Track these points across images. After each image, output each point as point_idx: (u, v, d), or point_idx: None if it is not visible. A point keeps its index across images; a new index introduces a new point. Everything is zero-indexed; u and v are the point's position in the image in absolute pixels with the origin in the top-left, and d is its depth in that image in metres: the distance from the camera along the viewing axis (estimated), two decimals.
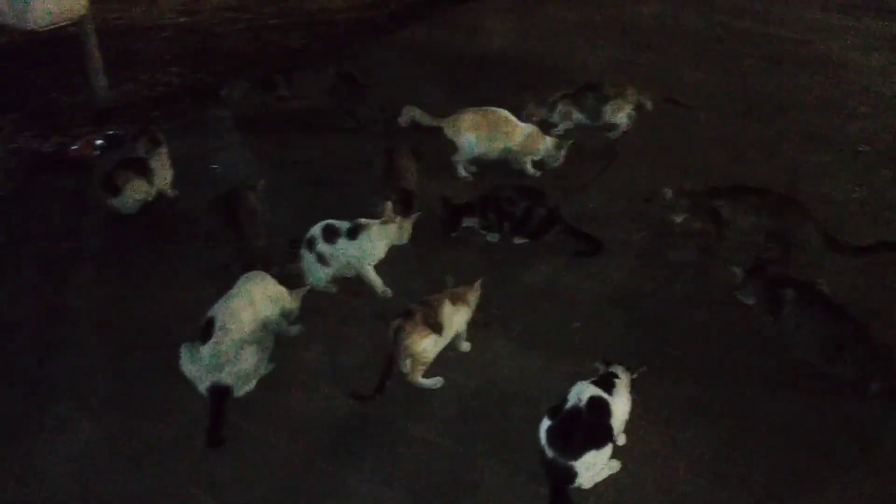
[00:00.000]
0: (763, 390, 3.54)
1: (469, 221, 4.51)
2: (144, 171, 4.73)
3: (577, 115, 5.63)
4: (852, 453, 3.25)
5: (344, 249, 4.01)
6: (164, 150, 4.84)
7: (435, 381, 3.53)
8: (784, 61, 7.10)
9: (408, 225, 4.06)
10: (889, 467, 3.19)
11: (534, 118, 5.48)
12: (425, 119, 5.22)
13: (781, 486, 3.09)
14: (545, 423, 2.96)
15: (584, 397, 2.95)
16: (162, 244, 4.55)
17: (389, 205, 4.09)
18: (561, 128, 5.59)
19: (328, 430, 3.35)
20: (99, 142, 5.55)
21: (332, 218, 4.09)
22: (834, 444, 3.28)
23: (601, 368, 3.23)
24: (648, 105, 5.65)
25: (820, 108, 6.21)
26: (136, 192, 4.69)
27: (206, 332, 3.40)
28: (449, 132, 5.12)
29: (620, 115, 5.58)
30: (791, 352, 3.64)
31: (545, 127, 5.41)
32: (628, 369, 3.24)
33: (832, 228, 4.27)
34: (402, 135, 5.26)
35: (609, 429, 2.96)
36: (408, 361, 3.45)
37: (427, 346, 3.47)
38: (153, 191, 4.78)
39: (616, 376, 3.16)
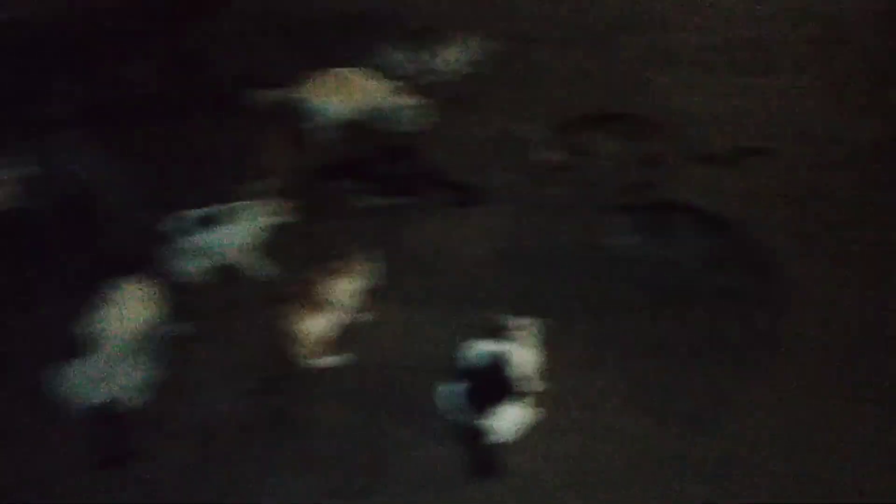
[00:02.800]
0: (656, 315, 3.63)
1: (342, 183, 4.38)
2: None
3: (409, 62, 5.52)
4: (750, 362, 3.40)
5: (216, 237, 3.83)
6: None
7: (340, 358, 3.45)
8: None
9: (281, 204, 3.88)
10: (784, 368, 3.35)
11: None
12: (278, 95, 4.99)
13: (694, 407, 3.21)
14: (449, 385, 2.93)
15: (484, 353, 2.93)
16: (18, 258, 4.20)
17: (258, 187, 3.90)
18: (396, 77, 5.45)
19: (235, 429, 3.23)
20: None
21: (196, 206, 3.90)
22: (733, 356, 3.42)
23: (500, 322, 3.21)
24: (486, 45, 5.60)
25: (661, 26, 6.26)
26: None
27: (81, 348, 3.19)
28: (304, 99, 4.93)
29: (453, 59, 5.52)
30: (681, 272, 3.72)
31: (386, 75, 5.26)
32: (525, 318, 3.24)
33: (693, 143, 4.36)
34: (254, 112, 5.03)
35: (510, 380, 2.95)
36: (300, 345, 3.35)
37: (318, 325, 3.38)
38: None
39: (511, 328, 3.14)
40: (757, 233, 3.72)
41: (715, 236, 3.64)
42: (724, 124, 4.93)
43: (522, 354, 3.06)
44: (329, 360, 3.43)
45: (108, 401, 3.15)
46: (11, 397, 3.39)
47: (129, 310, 3.37)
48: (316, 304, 3.39)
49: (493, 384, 2.91)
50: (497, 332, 3.11)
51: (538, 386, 3.14)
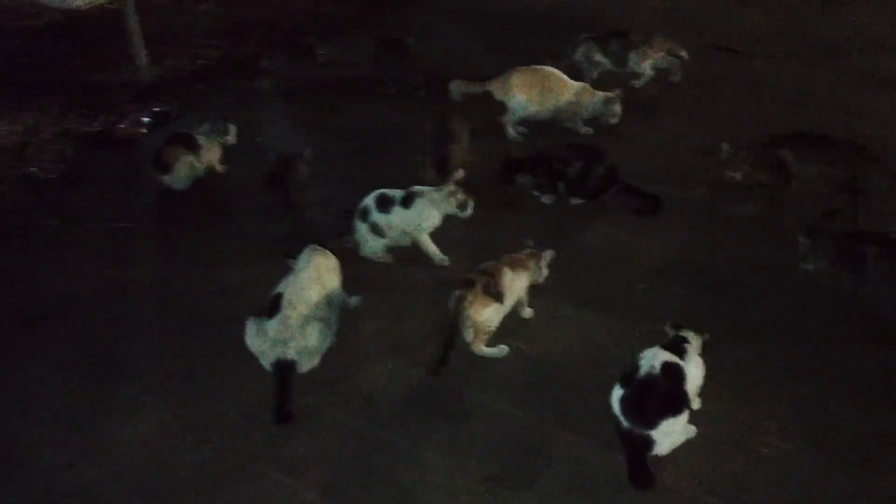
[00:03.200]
0: (840, 348, 3.43)
1: (523, 178, 4.40)
2: (193, 147, 4.70)
3: (601, 58, 5.44)
4: None
5: (399, 218, 3.95)
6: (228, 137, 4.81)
7: (500, 350, 3.48)
8: (839, 2, 6.81)
9: (462, 195, 3.94)
10: None
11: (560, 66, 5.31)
12: (474, 87, 5.09)
13: (869, 446, 2.99)
14: (618, 392, 2.89)
15: (657, 364, 2.87)
16: (216, 220, 4.52)
17: (454, 180, 3.96)
18: (588, 74, 5.38)
19: (396, 403, 3.31)
20: (146, 119, 5.53)
21: (382, 186, 4.03)
22: None
23: (670, 332, 3.14)
24: (683, 54, 5.45)
25: (877, 48, 5.96)
26: (186, 168, 4.67)
27: (273, 306, 3.37)
28: (499, 94, 5.01)
29: (646, 63, 5.40)
30: (866, 306, 3.50)
31: (573, 73, 5.23)
32: (698, 332, 3.14)
33: None
34: (449, 99, 5.15)
35: (684, 395, 2.88)
36: (470, 331, 3.40)
37: (489, 314, 3.41)
38: (202, 167, 4.75)
39: (686, 340, 3.06)
40: None
41: None
42: None
43: (693, 369, 2.97)
44: (491, 350, 3.46)
45: (284, 360, 3.32)
46: (209, 348, 3.62)
47: (310, 278, 3.52)
48: (488, 294, 3.42)
49: (664, 396, 2.84)
50: (674, 344, 3.02)
51: (697, 403, 3.05)
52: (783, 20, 6.51)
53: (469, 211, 3.93)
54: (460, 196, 3.91)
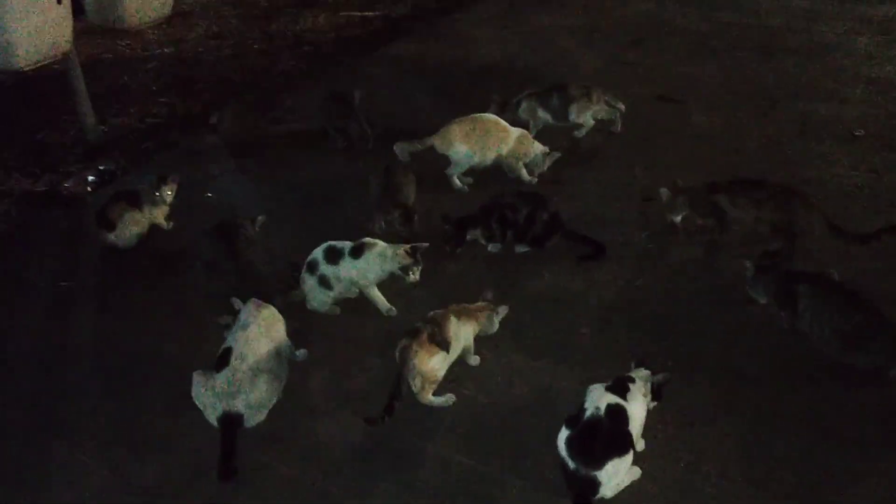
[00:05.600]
0: (781, 385, 3.48)
1: (473, 234, 4.46)
2: (138, 203, 4.68)
3: (542, 114, 5.58)
4: (880, 442, 3.19)
5: (348, 270, 3.96)
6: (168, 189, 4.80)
7: (446, 399, 3.48)
8: (774, 51, 7.07)
9: (409, 261, 3.94)
10: None
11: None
12: (417, 145, 5.16)
13: (811, 482, 3.03)
14: (564, 434, 2.91)
15: (602, 405, 2.90)
16: (161, 277, 4.50)
17: (403, 251, 3.97)
18: (532, 130, 5.48)
19: (342, 456, 3.29)
20: (91, 177, 5.50)
21: (331, 239, 4.05)
22: (861, 434, 3.23)
23: (635, 372, 3.17)
24: (620, 105, 5.61)
25: (813, 95, 6.19)
26: (131, 225, 4.65)
27: (222, 360, 3.35)
28: (440, 147, 5.07)
29: (585, 115, 5.54)
30: (806, 344, 3.58)
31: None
32: (654, 372, 3.19)
33: (835, 216, 4.22)
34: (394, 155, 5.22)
35: (629, 435, 2.91)
36: (417, 381, 3.39)
37: (435, 364, 3.42)
38: (147, 223, 4.73)
39: (631, 380, 3.10)
40: (890, 311, 3.51)
41: (847, 311, 3.46)
42: (865, 199, 4.78)
43: (637, 410, 3.00)
44: (438, 399, 3.46)
45: (231, 414, 3.28)
46: (151, 405, 3.59)
47: (260, 331, 3.51)
48: (434, 343, 3.43)
49: (609, 437, 2.86)
50: (617, 385, 3.06)
51: (641, 444, 3.07)
52: (722, 71, 6.72)
53: (414, 277, 3.96)
54: (407, 260, 3.94)
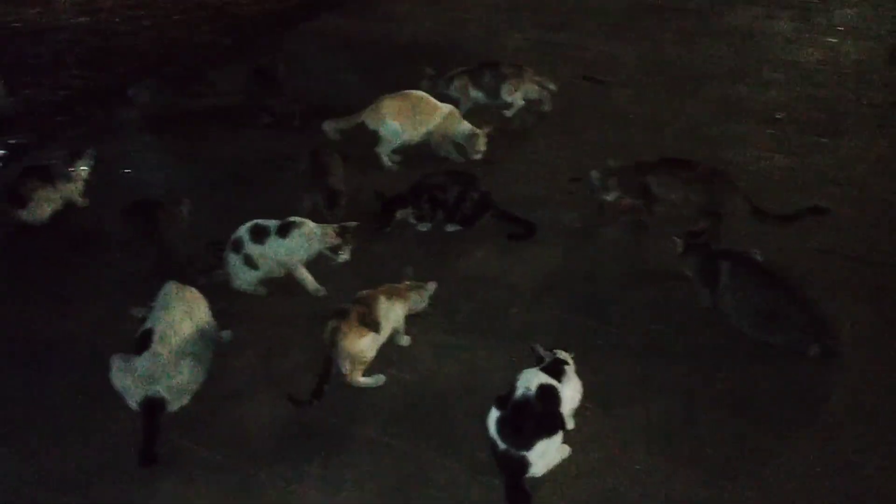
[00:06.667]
0: (705, 363, 3.54)
1: (403, 213, 4.41)
2: (50, 179, 4.47)
3: (474, 93, 5.56)
4: (799, 418, 3.28)
5: (274, 249, 3.86)
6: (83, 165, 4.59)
7: (376, 379, 3.43)
8: (696, 33, 7.20)
9: (337, 240, 3.87)
10: (835, 425, 3.23)
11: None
12: (346, 122, 5.06)
13: (733, 458, 3.09)
14: (494, 414, 2.90)
15: (533, 385, 2.90)
16: (75, 256, 4.31)
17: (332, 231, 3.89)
18: (462, 108, 5.44)
19: (269, 440, 3.21)
20: (0, 152, 5.23)
21: (255, 218, 3.94)
22: (780, 411, 3.31)
23: (540, 353, 3.16)
24: (551, 86, 5.63)
25: (734, 77, 6.32)
26: (43, 202, 4.44)
27: (142, 343, 3.24)
28: (371, 123, 5.00)
29: (516, 95, 5.54)
30: (729, 323, 3.65)
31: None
32: (564, 351, 3.19)
33: (756, 197, 4.31)
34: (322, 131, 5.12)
35: (559, 416, 2.91)
36: (346, 362, 3.34)
37: (365, 345, 3.37)
38: (60, 199, 4.53)
39: (566, 362, 3.10)
40: (810, 291, 3.61)
41: (766, 290, 3.55)
42: (787, 180, 4.90)
43: (567, 390, 3.01)
44: (368, 380, 3.41)
45: (153, 398, 3.17)
46: (66, 390, 3.44)
47: (182, 313, 3.40)
48: (363, 324, 3.38)
49: (539, 417, 2.86)
50: (552, 366, 3.06)
51: (571, 423, 3.08)
52: (646, 52, 6.80)
53: (344, 257, 3.89)
54: (336, 240, 3.86)
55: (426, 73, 5.49)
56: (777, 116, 5.68)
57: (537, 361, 3.12)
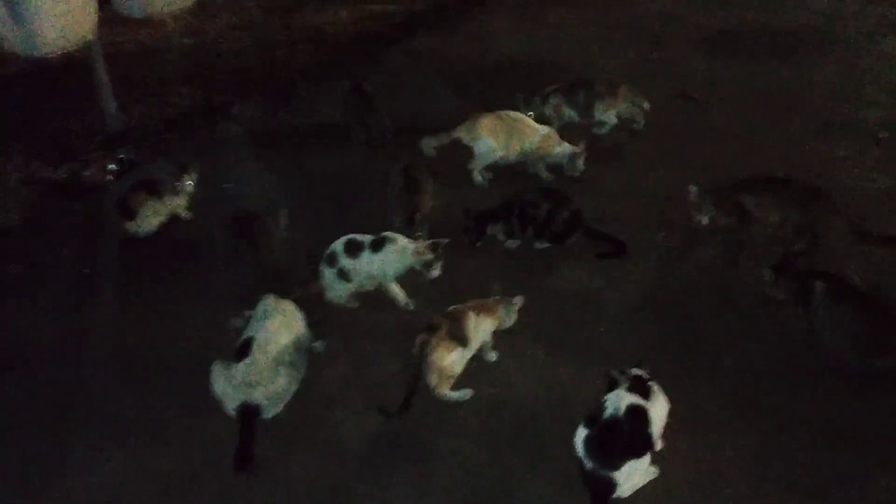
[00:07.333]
0: (800, 387, 3.47)
1: (493, 229, 4.44)
2: (158, 192, 4.69)
3: (568, 111, 5.55)
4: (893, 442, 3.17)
5: (368, 263, 3.95)
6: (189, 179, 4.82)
7: (463, 394, 3.47)
8: (796, 50, 7.00)
9: (430, 256, 3.93)
10: None
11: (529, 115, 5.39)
12: (442, 138, 5.14)
13: (826, 484, 3.02)
14: (582, 433, 2.90)
15: (623, 405, 2.88)
16: (180, 267, 4.51)
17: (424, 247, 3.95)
18: (555, 125, 5.40)
19: (358, 449, 3.30)
20: (111, 166, 5.51)
21: (349, 232, 4.05)
22: (876, 437, 3.21)
23: (614, 376, 3.13)
24: (645, 105, 5.57)
25: (835, 96, 6.11)
26: (151, 214, 4.66)
27: (242, 350, 3.37)
28: (466, 139, 5.05)
29: (610, 113, 5.51)
30: (824, 345, 3.55)
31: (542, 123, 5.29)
32: (643, 370, 3.16)
33: (857, 218, 4.17)
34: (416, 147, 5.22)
35: (649, 437, 2.89)
36: (434, 375, 3.39)
37: (453, 359, 3.42)
38: (167, 212, 4.75)
39: (650, 380, 3.08)
40: None
41: (862, 313, 3.43)
42: (890, 201, 4.73)
43: (657, 410, 2.98)
44: (455, 394, 3.46)
45: (250, 404, 3.29)
46: (170, 395, 3.61)
47: (281, 323, 3.52)
48: (454, 339, 3.43)
49: (628, 437, 2.85)
50: (636, 386, 3.03)
51: (660, 444, 3.05)
52: (743, 70, 6.67)
53: (436, 273, 3.95)
54: (428, 256, 3.92)
55: (518, 99, 5.51)
56: (880, 136, 5.48)
57: (610, 386, 3.08)
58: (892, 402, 3.34)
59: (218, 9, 8.69)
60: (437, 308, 3.63)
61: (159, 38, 8.09)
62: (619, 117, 5.54)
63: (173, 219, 4.81)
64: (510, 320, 3.71)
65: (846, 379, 3.46)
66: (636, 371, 3.12)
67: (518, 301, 3.73)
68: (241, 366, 3.33)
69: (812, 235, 4.11)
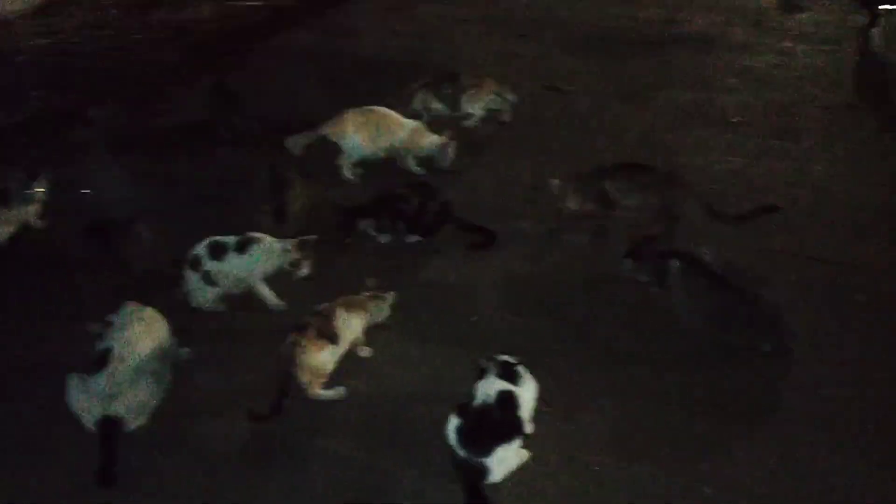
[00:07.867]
0: (662, 365, 3.59)
1: (364, 224, 4.41)
2: (6, 201, 4.44)
3: (435, 105, 5.60)
4: (753, 415, 3.34)
5: (233, 265, 3.85)
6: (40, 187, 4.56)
7: (337, 392, 3.43)
8: (654, 42, 7.28)
9: (297, 255, 3.89)
10: (788, 421, 3.29)
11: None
12: (309, 137, 5.07)
13: (691, 455, 3.13)
14: (454, 422, 2.91)
15: (493, 392, 2.91)
16: (33, 278, 4.28)
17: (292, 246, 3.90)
18: (423, 119, 5.47)
19: (231, 457, 3.20)
20: None
21: (215, 235, 3.94)
22: (734, 408, 3.36)
23: (485, 364, 3.15)
24: (510, 96, 5.68)
25: (692, 84, 6.40)
26: (0, 224, 4.41)
27: (100, 361, 3.22)
28: (333, 136, 5.01)
29: (476, 106, 5.60)
30: (682, 323, 3.70)
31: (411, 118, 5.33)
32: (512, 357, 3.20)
33: (712, 200, 4.36)
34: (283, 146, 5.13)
35: (519, 421, 2.93)
36: (306, 375, 3.33)
37: (324, 358, 3.38)
38: (17, 222, 4.50)
39: (518, 366, 3.12)
40: (766, 292, 3.67)
41: (722, 291, 3.59)
42: (744, 183, 4.97)
43: (526, 395, 3.03)
44: (330, 393, 3.41)
45: (110, 417, 3.14)
46: (26, 409, 3.43)
47: (141, 331, 3.39)
48: (324, 337, 3.38)
49: (499, 423, 2.88)
50: (505, 372, 3.07)
51: (530, 428, 3.10)
52: (603, 62, 6.87)
53: (305, 271, 3.89)
54: (295, 255, 3.86)
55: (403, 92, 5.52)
56: (733, 121, 5.76)
57: (480, 374, 3.10)
58: (746, 377, 3.50)
59: (72, 7, 8.32)
60: (309, 308, 3.57)
61: (8, 38, 7.67)
62: (486, 110, 5.62)
63: (25, 228, 4.55)
64: (381, 315, 3.70)
65: (706, 355, 3.61)
66: (504, 357, 3.15)
67: (389, 297, 3.72)
68: (99, 377, 3.17)
69: (669, 218, 4.27)
